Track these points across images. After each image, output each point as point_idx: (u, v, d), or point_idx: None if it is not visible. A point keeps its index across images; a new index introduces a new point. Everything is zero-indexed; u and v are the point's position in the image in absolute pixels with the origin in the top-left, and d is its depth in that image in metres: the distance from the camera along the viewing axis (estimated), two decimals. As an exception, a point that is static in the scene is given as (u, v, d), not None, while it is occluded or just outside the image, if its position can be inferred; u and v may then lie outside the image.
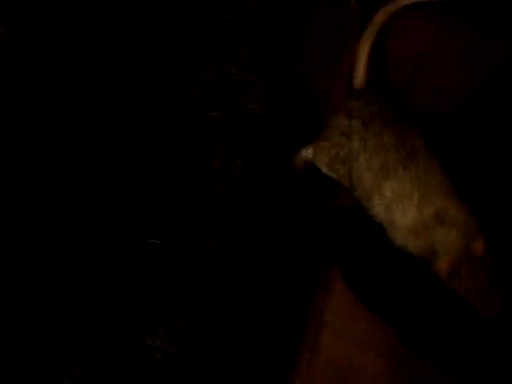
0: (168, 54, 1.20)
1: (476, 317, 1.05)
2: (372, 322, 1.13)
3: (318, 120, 1.20)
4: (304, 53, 1.23)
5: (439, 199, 1.05)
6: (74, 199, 1.16)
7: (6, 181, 1.15)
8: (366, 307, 1.13)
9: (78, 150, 1.17)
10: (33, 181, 1.16)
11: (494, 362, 1.09)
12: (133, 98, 1.19)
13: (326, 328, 1.14)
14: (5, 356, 1.10)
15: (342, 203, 1.18)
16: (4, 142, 1.16)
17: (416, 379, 1.11)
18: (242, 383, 1.12)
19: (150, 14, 1.21)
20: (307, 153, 1.16)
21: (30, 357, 1.10)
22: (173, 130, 1.18)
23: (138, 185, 1.16)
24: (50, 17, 1.21)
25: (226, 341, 1.13)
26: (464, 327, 1.08)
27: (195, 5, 1.21)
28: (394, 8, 1.19)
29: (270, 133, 1.19)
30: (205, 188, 1.17)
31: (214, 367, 1.12)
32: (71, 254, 1.14)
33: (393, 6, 1.20)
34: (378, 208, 1.08)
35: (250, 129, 1.18)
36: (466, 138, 1.17)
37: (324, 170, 1.15)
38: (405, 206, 1.06)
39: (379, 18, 1.19)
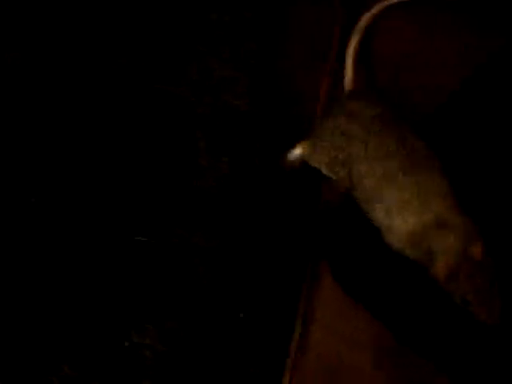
0: (151, 51, 1.20)
1: (474, 321, 1.03)
2: (362, 318, 1.12)
3: (301, 117, 1.20)
4: (287, 51, 1.23)
5: (439, 204, 1.04)
6: (58, 197, 1.14)
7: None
8: (356, 303, 1.13)
9: (64, 148, 1.16)
10: (16, 178, 1.14)
11: (492, 365, 1.08)
12: (117, 96, 1.18)
13: (315, 324, 1.13)
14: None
15: (327, 198, 1.17)
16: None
17: (408, 375, 1.10)
18: (234, 381, 1.11)
19: (135, 12, 1.21)
20: (303, 152, 1.15)
21: (18, 355, 1.08)
22: (157, 127, 1.18)
23: (124, 182, 1.15)
24: (41, 16, 1.20)
25: (216, 339, 1.12)
26: (461, 331, 1.07)
27: (178, 3, 1.21)
28: (379, 9, 1.20)
29: (255, 129, 1.18)
30: (191, 185, 1.16)
31: (205, 365, 1.11)
32: (57, 253, 1.12)
33: (378, 7, 1.21)
34: (377, 212, 1.06)
35: (235, 125, 1.18)
36: (451, 138, 1.17)
37: (324, 170, 1.12)
38: (405, 211, 1.04)
39: (365, 19, 1.20)
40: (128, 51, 1.19)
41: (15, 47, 1.19)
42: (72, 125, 1.17)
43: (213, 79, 1.19)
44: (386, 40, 1.23)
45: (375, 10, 1.21)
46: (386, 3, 1.21)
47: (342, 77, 1.19)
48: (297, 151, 1.15)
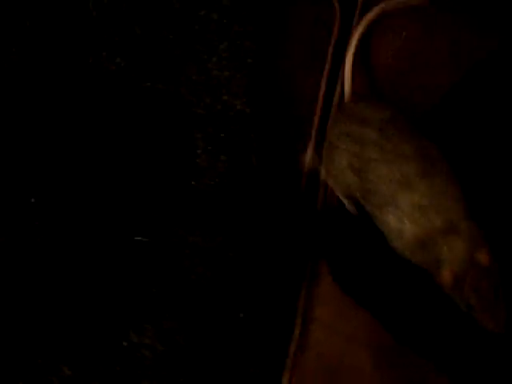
0: (149, 51, 1.20)
1: (480, 329, 1.02)
2: (362, 317, 1.11)
3: (299, 117, 1.20)
4: (286, 51, 1.23)
5: (451, 211, 1.03)
6: (57, 198, 1.14)
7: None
8: (355, 302, 1.12)
9: (64, 149, 1.16)
10: (16, 179, 1.14)
11: (493, 367, 1.07)
12: (115, 96, 1.18)
13: (315, 323, 1.13)
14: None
15: (327, 197, 1.17)
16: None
17: (408, 375, 1.10)
18: (233, 381, 1.10)
19: (133, 12, 1.21)
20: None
21: (17, 356, 1.08)
22: (155, 127, 1.17)
23: (122, 182, 1.15)
24: (37, 16, 1.20)
25: (215, 339, 1.12)
26: (463, 333, 1.07)
27: (177, 2, 1.21)
28: (378, 12, 1.20)
29: (253, 129, 1.18)
30: (189, 185, 1.16)
31: (205, 365, 1.10)
32: (56, 253, 1.12)
33: (376, 11, 1.20)
34: (389, 217, 1.05)
35: (233, 125, 1.18)
36: (449, 136, 1.17)
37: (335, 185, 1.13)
38: (418, 215, 1.03)
39: (364, 23, 1.20)
40: (126, 51, 1.19)
41: (12, 47, 1.19)
42: (70, 125, 1.16)
43: (211, 79, 1.19)
44: (386, 39, 1.22)
45: (374, 13, 1.20)
46: (384, 7, 1.20)
47: (341, 78, 1.19)
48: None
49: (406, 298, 1.09)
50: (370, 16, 1.20)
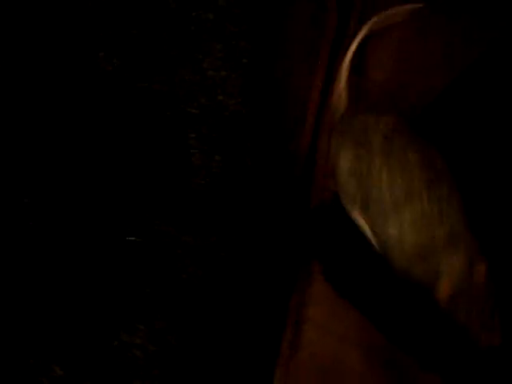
0: (145, 51, 1.20)
1: (474, 345, 1.02)
2: (354, 316, 1.11)
3: (294, 117, 1.20)
4: (281, 51, 1.23)
5: (453, 223, 1.03)
6: (51, 198, 1.14)
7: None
8: (348, 302, 1.12)
9: (58, 149, 1.16)
10: (9, 179, 1.15)
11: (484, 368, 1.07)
12: (110, 96, 1.19)
13: (308, 323, 1.13)
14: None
15: (319, 197, 1.17)
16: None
17: (400, 374, 1.10)
18: (225, 380, 1.10)
19: (128, 12, 1.21)
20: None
21: (8, 356, 1.08)
22: (150, 126, 1.18)
23: (116, 181, 1.15)
24: (33, 16, 1.21)
25: (207, 338, 1.12)
26: (459, 349, 1.06)
27: (172, 2, 1.21)
28: (376, 22, 1.20)
29: (247, 129, 1.18)
30: (183, 184, 1.16)
31: (196, 365, 1.11)
32: (48, 253, 1.12)
33: (375, 19, 1.20)
34: (391, 227, 1.05)
35: (228, 125, 1.18)
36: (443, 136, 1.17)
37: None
38: (420, 228, 1.03)
39: (362, 32, 1.19)
40: (123, 51, 1.20)
41: (9, 47, 1.20)
42: (66, 124, 1.17)
43: (206, 79, 1.19)
44: (381, 41, 1.22)
45: (371, 23, 1.20)
46: (382, 16, 1.20)
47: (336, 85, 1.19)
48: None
49: (398, 298, 1.09)
50: (364, 31, 1.19)
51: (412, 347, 1.09)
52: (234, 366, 1.11)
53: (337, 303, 1.12)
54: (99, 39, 1.20)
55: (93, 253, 1.12)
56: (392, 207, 1.05)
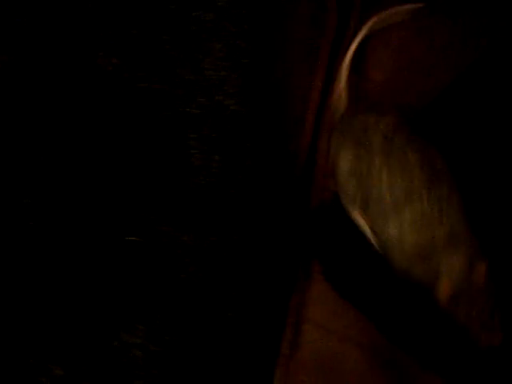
0: (144, 50, 1.20)
1: (475, 345, 1.02)
2: (354, 316, 1.11)
3: (293, 117, 1.20)
4: (281, 51, 1.23)
5: (453, 223, 1.03)
6: (50, 198, 1.14)
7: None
8: (348, 302, 1.12)
9: (57, 149, 1.16)
10: (7, 179, 1.14)
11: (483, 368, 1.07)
12: (109, 96, 1.19)
13: (308, 323, 1.13)
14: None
15: (319, 197, 1.17)
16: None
17: (400, 373, 1.10)
18: (225, 380, 1.10)
19: (127, 12, 1.21)
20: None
21: (7, 356, 1.08)
22: (149, 126, 1.17)
23: (116, 181, 1.15)
24: (33, 17, 1.21)
25: (208, 338, 1.12)
26: (460, 352, 1.06)
27: (172, 2, 1.21)
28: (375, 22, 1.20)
29: (247, 129, 1.18)
30: (182, 184, 1.16)
31: (196, 365, 1.10)
32: (47, 253, 1.12)
33: (375, 19, 1.20)
34: (391, 227, 1.05)
35: (227, 125, 1.18)
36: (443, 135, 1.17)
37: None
38: (420, 228, 1.03)
39: (362, 33, 1.19)
40: (122, 51, 1.20)
41: (7, 47, 1.20)
42: (64, 124, 1.17)
43: (206, 79, 1.19)
44: (381, 41, 1.22)
45: (371, 23, 1.20)
46: (382, 16, 1.20)
47: (335, 83, 1.19)
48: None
49: (398, 298, 1.09)
50: (364, 31, 1.19)
51: (412, 347, 1.09)
52: (234, 366, 1.11)
53: (337, 303, 1.13)
54: (99, 39, 1.19)
55: (93, 253, 1.12)
56: (392, 207, 1.05)
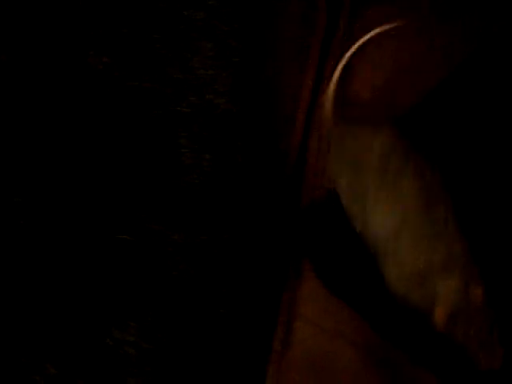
0: (133, 49, 1.20)
1: (474, 367, 1.02)
2: (346, 313, 1.11)
3: (284, 116, 1.20)
4: (272, 48, 1.23)
5: (450, 246, 1.03)
6: (41, 197, 1.14)
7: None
8: (340, 299, 1.12)
9: (45, 146, 1.16)
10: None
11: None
12: (99, 94, 1.18)
13: (299, 320, 1.13)
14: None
15: (310, 195, 1.17)
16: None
17: (393, 371, 1.10)
18: (218, 377, 1.10)
19: (116, 11, 1.21)
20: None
21: (1, 355, 1.07)
22: (141, 125, 1.18)
23: (106, 180, 1.15)
24: (23, 15, 1.20)
25: (199, 336, 1.11)
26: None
27: (162, 1, 1.21)
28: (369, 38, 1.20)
29: (237, 127, 1.18)
30: (174, 183, 1.16)
31: (189, 362, 1.10)
32: (38, 252, 1.12)
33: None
34: (390, 268, 1.05)
35: (218, 123, 1.18)
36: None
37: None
38: (418, 255, 1.03)
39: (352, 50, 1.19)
40: (113, 50, 1.20)
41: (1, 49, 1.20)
42: (54, 123, 1.16)
43: (196, 78, 1.19)
44: (381, 41, 1.22)
45: (365, 39, 1.20)
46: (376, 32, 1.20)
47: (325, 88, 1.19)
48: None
49: (389, 295, 1.09)
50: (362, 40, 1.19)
51: (405, 344, 1.09)
52: (226, 363, 1.11)
53: (328, 300, 1.13)
54: (89, 38, 1.19)
55: (84, 251, 1.12)
56: (387, 236, 1.05)
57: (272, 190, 1.17)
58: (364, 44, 1.19)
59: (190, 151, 1.17)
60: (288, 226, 1.16)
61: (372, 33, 1.18)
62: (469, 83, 1.17)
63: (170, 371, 1.10)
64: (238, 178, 1.17)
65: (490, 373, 1.01)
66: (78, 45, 1.19)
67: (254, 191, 1.17)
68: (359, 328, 1.10)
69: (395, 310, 1.06)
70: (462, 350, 1.01)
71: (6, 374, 1.07)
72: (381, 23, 1.21)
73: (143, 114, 1.18)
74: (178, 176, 1.16)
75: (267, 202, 1.17)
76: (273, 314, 1.13)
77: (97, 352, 1.08)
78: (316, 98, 1.21)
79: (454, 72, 1.18)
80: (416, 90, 1.18)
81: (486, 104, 1.16)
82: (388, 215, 1.05)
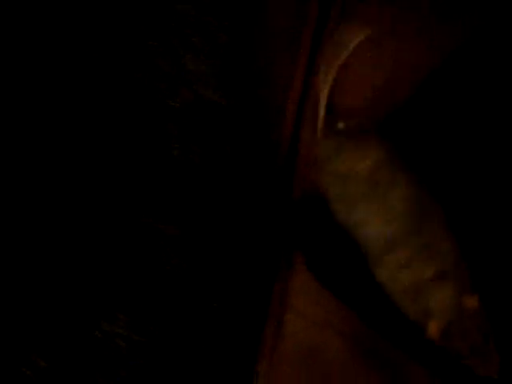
0: (124, 44, 1.21)
1: (472, 375, 1.01)
2: (337, 306, 1.11)
3: (274, 109, 1.19)
4: (263, 39, 1.23)
5: (443, 259, 1.02)
6: (32, 188, 1.15)
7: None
8: (330, 292, 1.12)
9: (35, 141, 1.17)
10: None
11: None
12: (93, 90, 1.20)
13: (291, 313, 1.12)
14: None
15: (302, 186, 1.17)
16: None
17: (383, 362, 1.09)
18: (208, 370, 1.11)
19: (108, 6, 1.22)
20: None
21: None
22: (131, 119, 1.18)
23: (98, 173, 1.16)
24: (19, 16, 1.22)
25: (191, 329, 1.12)
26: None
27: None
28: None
29: (227, 121, 1.18)
30: (165, 177, 1.17)
31: (180, 355, 1.11)
32: (28, 244, 1.13)
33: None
34: (381, 275, 1.05)
35: (208, 117, 1.18)
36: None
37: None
38: (410, 269, 1.02)
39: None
40: (101, 45, 1.21)
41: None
42: (45, 118, 1.18)
43: (186, 72, 1.19)
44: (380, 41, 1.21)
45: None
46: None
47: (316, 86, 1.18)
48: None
49: (380, 288, 1.08)
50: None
51: (394, 335, 1.08)
52: (217, 355, 1.11)
53: (320, 293, 1.12)
54: (80, 33, 1.21)
55: (74, 243, 1.13)
56: (378, 254, 1.04)
57: (264, 181, 1.17)
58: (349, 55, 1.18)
59: (181, 145, 1.17)
60: (280, 217, 1.16)
61: (356, 41, 1.17)
62: (457, 89, 1.16)
63: (162, 364, 1.11)
64: (229, 170, 1.17)
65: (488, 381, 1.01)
66: (67, 40, 1.21)
67: (246, 183, 1.17)
68: (347, 318, 1.10)
69: (385, 304, 1.06)
70: (459, 359, 1.01)
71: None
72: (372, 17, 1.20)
73: (134, 108, 1.18)
74: (169, 169, 1.16)
75: (259, 194, 1.17)
76: (264, 307, 1.13)
77: (86, 345, 1.10)
78: (307, 88, 1.20)
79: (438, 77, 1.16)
80: (416, 90, 1.18)
81: (474, 107, 1.15)
82: (379, 228, 1.04)
